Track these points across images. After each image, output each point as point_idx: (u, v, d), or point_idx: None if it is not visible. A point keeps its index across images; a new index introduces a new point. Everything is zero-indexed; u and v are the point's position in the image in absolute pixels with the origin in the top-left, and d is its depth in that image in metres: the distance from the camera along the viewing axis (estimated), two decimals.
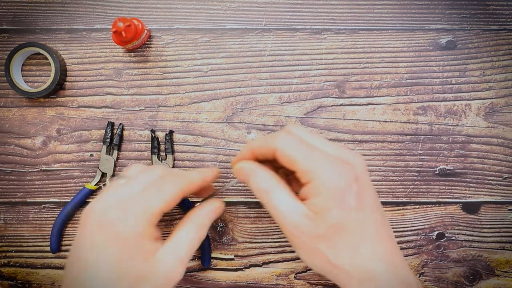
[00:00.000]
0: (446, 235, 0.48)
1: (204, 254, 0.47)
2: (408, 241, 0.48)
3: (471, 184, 0.48)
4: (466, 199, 0.48)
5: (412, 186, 0.48)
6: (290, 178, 0.39)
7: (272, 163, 0.38)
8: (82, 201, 0.47)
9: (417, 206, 0.48)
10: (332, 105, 0.48)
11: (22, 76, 0.48)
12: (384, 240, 0.34)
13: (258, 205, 0.48)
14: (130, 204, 0.34)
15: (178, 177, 0.37)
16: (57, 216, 0.47)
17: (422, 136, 0.48)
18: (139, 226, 0.33)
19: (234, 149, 0.48)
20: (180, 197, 0.36)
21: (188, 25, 0.48)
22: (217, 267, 0.48)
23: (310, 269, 0.48)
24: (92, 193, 0.47)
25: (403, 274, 0.34)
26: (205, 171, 0.39)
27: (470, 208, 0.48)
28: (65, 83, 0.48)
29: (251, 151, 0.37)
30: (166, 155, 0.47)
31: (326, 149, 0.35)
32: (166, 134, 0.47)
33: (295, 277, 0.48)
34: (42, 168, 0.48)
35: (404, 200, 0.48)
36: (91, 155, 0.48)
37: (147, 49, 0.48)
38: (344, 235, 0.33)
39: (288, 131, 0.36)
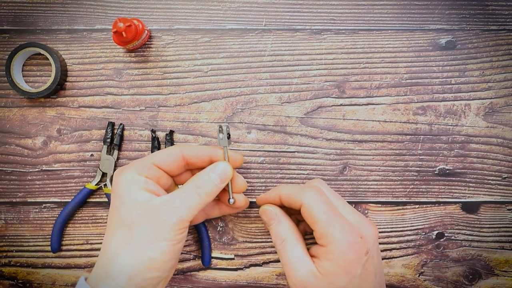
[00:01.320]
0: (446, 234, 0.48)
1: (204, 254, 0.47)
2: (407, 241, 0.48)
3: (470, 184, 0.48)
4: (465, 198, 0.48)
5: (412, 186, 0.48)
6: (301, 221, 0.44)
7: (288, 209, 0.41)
8: (83, 201, 0.47)
9: (417, 206, 0.48)
10: (332, 105, 0.48)
11: (23, 76, 0.48)
12: None
13: (257, 204, 0.48)
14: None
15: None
16: (57, 216, 0.47)
17: (422, 136, 0.48)
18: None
19: (235, 149, 0.48)
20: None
21: (188, 26, 0.48)
22: (217, 266, 0.48)
23: None
24: (92, 193, 0.48)
25: None
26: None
27: (470, 207, 0.48)
28: (66, 83, 0.48)
29: (279, 196, 0.40)
30: None
31: (347, 216, 0.38)
32: (167, 134, 0.47)
33: None
34: (43, 168, 0.48)
35: (404, 199, 0.48)
36: (92, 155, 0.48)
37: (148, 49, 0.48)
38: None
39: (318, 188, 0.39)
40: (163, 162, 0.39)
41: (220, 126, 0.40)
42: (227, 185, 0.41)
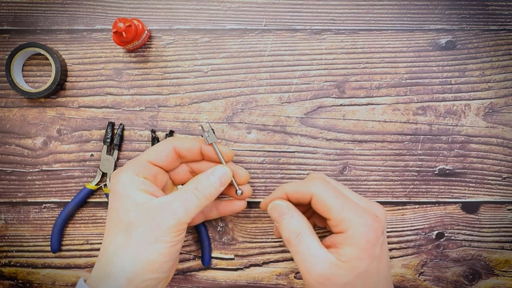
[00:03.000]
0: (446, 234, 0.48)
1: (204, 254, 0.47)
2: (407, 241, 0.48)
3: (470, 184, 0.48)
4: (465, 199, 0.48)
5: (412, 186, 0.48)
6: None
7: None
8: (83, 201, 0.47)
9: (417, 206, 0.48)
10: (332, 105, 0.48)
11: (23, 77, 0.48)
12: (390, 284, 0.38)
13: (258, 205, 0.48)
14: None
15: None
16: (57, 216, 0.47)
17: (422, 136, 0.48)
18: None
19: (235, 149, 0.48)
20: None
21: (188, 26, 0.48)
22: (217, 266, 0.48)
23: None
24: (92, 193, 0.48)
25: None
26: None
27: (470, 207, 0.48)
28: (66, 83, 0.48)
29: (285, 194, 0.39)
30: None
31: (356, 200, 0.38)
32: (166, 134, 0.47)
33: (295, 277, 0.48)
34: (43, 168, 0.48)
35: (404, 200, 0.48)
36: (92, 155, 0.48)
37: (148, 49, 0.48)
38: (366, 282, 0.36)
39: (323, 178, 0.38)
40: (158, 158, 0.39)
41: (201, 126, 0.41)
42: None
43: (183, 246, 0.48)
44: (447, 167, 0.48)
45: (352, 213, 0.36)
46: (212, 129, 0.40)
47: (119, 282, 0.34)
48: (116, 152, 0.47)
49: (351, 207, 0.36)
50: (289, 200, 0.40)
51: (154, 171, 0.39)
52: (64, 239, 0.48)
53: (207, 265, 0.47)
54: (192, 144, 0.40)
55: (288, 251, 0.48)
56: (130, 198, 0.36)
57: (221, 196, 0.44)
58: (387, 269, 0.38)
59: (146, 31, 0.46)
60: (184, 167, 0.43)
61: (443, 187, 0.48)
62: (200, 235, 0.47)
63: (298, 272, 0.48)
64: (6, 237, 0.48)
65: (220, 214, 0.45)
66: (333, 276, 0.35)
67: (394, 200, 0.48)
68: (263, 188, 0.48)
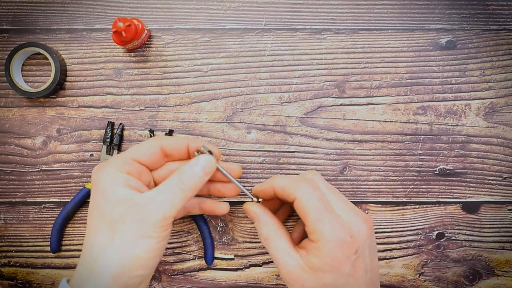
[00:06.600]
0: (446, 235, 0.48)
1: (207, 252, 0.47)
2: (408, 241, 0.48)
3: (471, 184, 0.48)
4: (466, 199, 0.48)
5: (412, 186, 0.48)
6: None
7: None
8: (82, 201, 0.47)
9: (417, 206, 0.48)
10: (332, 105, 0.48)
11: (22, 76, 0.48)
12: None
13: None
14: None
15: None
16: (57, 216, 0.47)
17: (422, 136, 0.48)
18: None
19: (234, 149, 0.48)
20: None
21: (188, 25, 0.48)
22: (217, 267, 0.48)
23: None
24: None
25: None
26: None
27: (470, 208, 0.48)
28: (65, 83, 0.48)
29: (273, 188, 0.40)
30: None
31: (340, 212, 0.37)
32: (166, 134, 0.47)
33: None
34: (42, 168, 0.48)
35: (404, 200, 0.48)
36: (91, 155, 0.48)
37: (147, 49, 0.48)
38: None
39: (313, 182, 0.38)
40: (143, 156, 0.38)
41: (197, 150, 0.39)
42: (224, 176, 0.41)
43: (183, 246, 0.48)
44: (447, 167, 0.48)
45: (325, 227, 0.36)
46: (209, 151, 0.39)
47: (105, 281, 0.33)
48: (115, 152, 0.47)
49: (328, 221, 0.36)
50: (276, 194, 0.40)
51: (139, 169, 0.38)
52: (63, 239, 0.48)
53: (210, 263, 0.47)
54: (179, 142, 0.39)
55: None
56: (113, 193, 0.35)
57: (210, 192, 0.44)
58: (365, 284, 0.37)
59: (145, 31, 0.46)
60: (167, 166, 0.41)
61: (443, 187, 0.48)
62: (202, 233, 0.47)
63: None
64: (5, 237, 0.48)
65: (202, 211, 0.44)
66: (299, 278, 0.36)
67: (395, 200, 0.48)
68: None
